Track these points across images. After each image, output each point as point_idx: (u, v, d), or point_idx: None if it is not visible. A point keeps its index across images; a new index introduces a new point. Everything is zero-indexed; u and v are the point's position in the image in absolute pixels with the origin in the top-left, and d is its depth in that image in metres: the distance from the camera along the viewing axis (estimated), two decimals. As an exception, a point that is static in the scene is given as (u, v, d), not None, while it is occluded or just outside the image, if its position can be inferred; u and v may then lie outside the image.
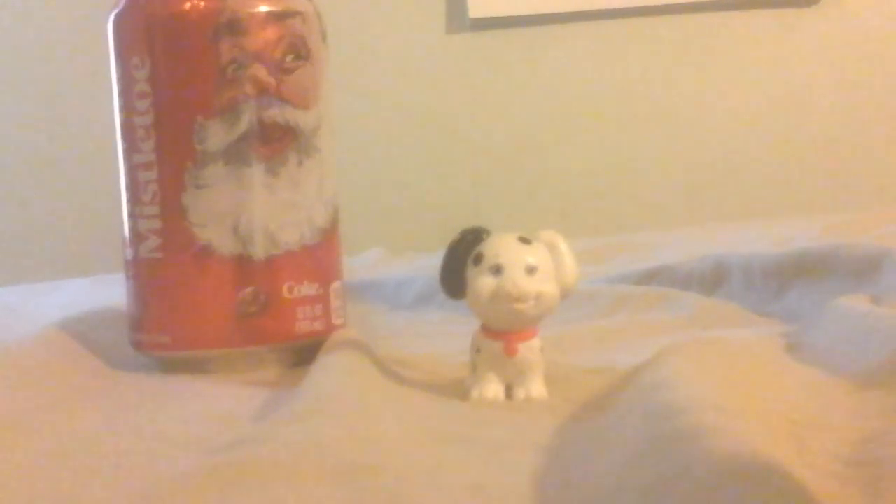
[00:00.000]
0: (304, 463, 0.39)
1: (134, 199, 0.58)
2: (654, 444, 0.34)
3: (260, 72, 0.56)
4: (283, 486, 0.37)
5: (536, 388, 0.46)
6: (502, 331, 0.46)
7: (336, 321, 0.59)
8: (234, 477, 0.38)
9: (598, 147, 1.82)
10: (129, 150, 0.58)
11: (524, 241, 0.46)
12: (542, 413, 0.45)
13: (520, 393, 0.46)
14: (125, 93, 0.57)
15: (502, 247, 0.46)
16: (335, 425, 0.44)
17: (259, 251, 0.56)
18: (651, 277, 0.78)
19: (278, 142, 0.57)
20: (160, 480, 0.37)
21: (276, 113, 0.56)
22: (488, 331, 0.47)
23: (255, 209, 0.56)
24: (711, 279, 0.75)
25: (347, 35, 1.74)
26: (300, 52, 0.57)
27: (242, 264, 0.56)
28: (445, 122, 1.83)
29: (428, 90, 1.83)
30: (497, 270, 0.45)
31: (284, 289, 0.57)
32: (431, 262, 1.00)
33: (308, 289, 0.57)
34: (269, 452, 0.40)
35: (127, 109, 0.57)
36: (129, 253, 0.58)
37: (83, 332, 0.61)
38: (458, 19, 1.82)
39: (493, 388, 0.46)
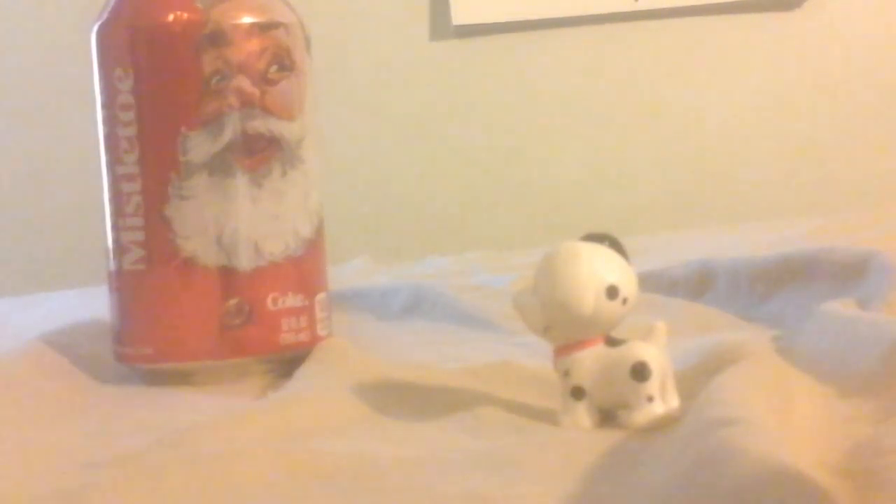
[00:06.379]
0: (297, 473, 0.39)
1: (117, 211, 0.57)
2: (694, 464, 0.34)
3: (244, 83, 0.56)
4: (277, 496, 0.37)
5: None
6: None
7: (321, 332, 0.59)
8: (234, 480, 0.38)
9: (584, 153, 1.82)
10: (113, 161, 0.57)
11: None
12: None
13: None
14: (108, 104, 0.57)
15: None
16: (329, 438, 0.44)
17: (243, 262, 0.56)
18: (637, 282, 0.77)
19: (262, 153, 0.57)
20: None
21: (260, 124, 0.56)
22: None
23: (240, 220, 0.56)
24: (697, 284, 0.75)
25: (331, 43, 1.73)
26: (284, 63, 0.57)
27: (226, 276, 0.56)
28: (430, 129, 1.83)
29: (412, 97, 1.83)
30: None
31: (269, 300, 0.57)
32: (417, 271, 1.00)
33: (293, 300, 0.57)
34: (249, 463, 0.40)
35: (110, 121, 0.57)
36: (112, 265, 0.58)
37: (67, 344, 0.61)
38: (441, 26, 1.82)
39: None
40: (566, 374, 0.45)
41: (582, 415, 0.45)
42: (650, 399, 0.44)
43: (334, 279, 0.62)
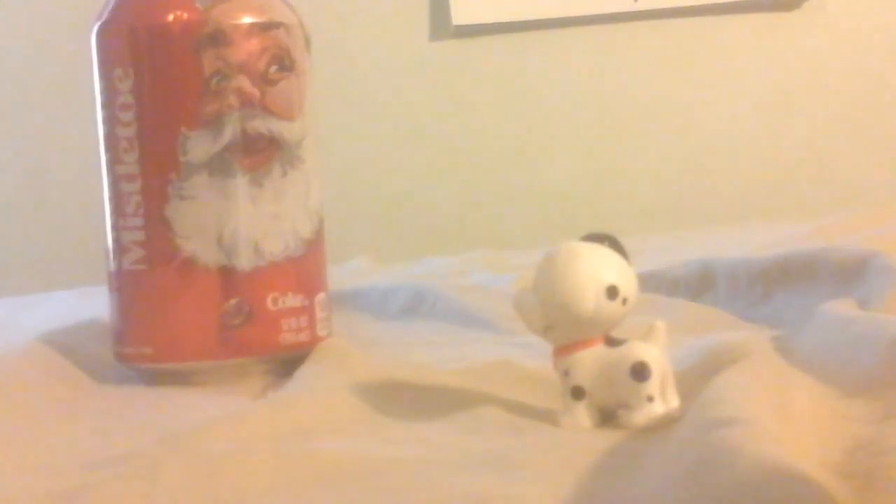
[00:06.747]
0: (298, 471, 0.39)
1: (117, 211, 0.57)
2: (694, 463, 0.34)
3: (244, 83, 0.56)
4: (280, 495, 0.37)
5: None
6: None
7: (321, 332, 0.59)
8: (234, 481, 0.38)
9: (584, 152, 1.82)
10: (113, 161, 0.57)
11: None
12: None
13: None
14: (109, 104, 0.57)
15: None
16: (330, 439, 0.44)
17: (243, 262, 0.56)
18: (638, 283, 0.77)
19: (262, 153, 0.57)
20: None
21: (260, 124, 0.56)
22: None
23: (240, 220, 0.56)
24: (697, 284, 0.75)
25: (331, 43, 1.74)
26: (284, 63, 0.57)
27: (226, 276, 0.56)
28: (430, 129, 1.83)
29: (412, 98, 1.83)
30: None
31: (269, 300, 0.57)
32: (417, 271, 1.00)
33: (293, 300, 0.57)
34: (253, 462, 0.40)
35: (110, 121, 0.57)
36: (112, 265, 0.58)
37: (67, 344, 0.61)
38: (441, 26, 1.82)
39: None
40: (566, 374, 0.45)
41: (582, 415, 0.45)
42: (650, 399, 0.44)
43: (334, 279, 0.62)
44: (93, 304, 0.69)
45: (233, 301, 0.56)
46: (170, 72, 0.56)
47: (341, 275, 0.84)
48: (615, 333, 0.45)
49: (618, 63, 1.82)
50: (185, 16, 0.56)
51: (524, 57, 1.83)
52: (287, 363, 0.57)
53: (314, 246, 0.59)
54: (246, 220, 0.56)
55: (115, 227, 0.58)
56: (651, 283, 0.75)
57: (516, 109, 1.83)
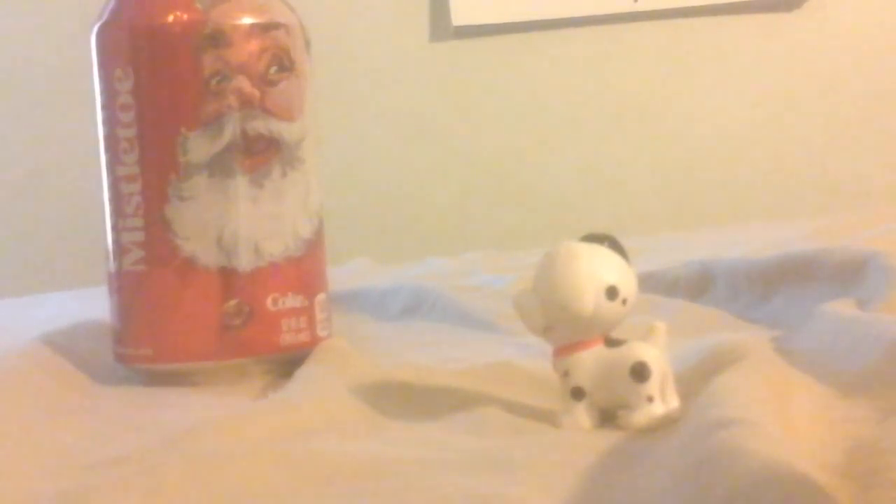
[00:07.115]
0: (300, 470, 0.39)
1: (117, 212, 0.57)
2: (694, 464, 0.34)
3: (244, 84, 0.56)
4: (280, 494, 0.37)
5: None
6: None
7: (321, 333, 0.59)
8: (235, 481, 0.38)
9: (584, 153, 1.82)
10: (113, 162, 0.57)
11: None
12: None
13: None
14: (108, 105, 0.57)
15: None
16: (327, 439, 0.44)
17: (243, 263, 0.56)
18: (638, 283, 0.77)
19: (262, 154, 0.57)
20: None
21: (260, 125, 0.56)
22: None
23: (239, 221, 0.56)
24: (697, 285, 0.75)
25: (331, 44, 1.74)
26: (284, 63, 0.57)
27: (226, 276, 0.56)
28: (430, 130, 1.83)
29: (412, 98, 1.83)
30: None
31: (269, 301, 0.57)
32: (417, 272, 1.00)
33: (293, 301, 0.57)
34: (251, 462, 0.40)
35: (110, 122, 0.57)
36: (112, 266, 0.58)
37: (67, 345, 0.61)
38: (441, 27, 1.82)
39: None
40: (566, 374, 0.45)
41: (582, 415, 0.45)
42: (650, 399, 0.44)
43: (334, 280, 0.62)
44: (93, 304, 0.69)
45: (233, 302, 0.56)
46: (170, 72, 0.56)
47: (341, 275, 0.84)
48: (615, 334, 0.45)
49: (618, 63, 1.82)
50: (185, 16, 0.56)
51: (524, 57, 1.83)
52: (287, 364, 0.57)
53: (314, 246, 0.59)
54: (246, 221, 0.56)
55: (114, 228, 0.58)
56: (651, 283, 0.75)
57: (516, 109, 1.83)
